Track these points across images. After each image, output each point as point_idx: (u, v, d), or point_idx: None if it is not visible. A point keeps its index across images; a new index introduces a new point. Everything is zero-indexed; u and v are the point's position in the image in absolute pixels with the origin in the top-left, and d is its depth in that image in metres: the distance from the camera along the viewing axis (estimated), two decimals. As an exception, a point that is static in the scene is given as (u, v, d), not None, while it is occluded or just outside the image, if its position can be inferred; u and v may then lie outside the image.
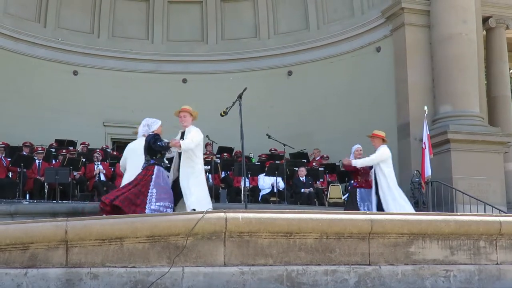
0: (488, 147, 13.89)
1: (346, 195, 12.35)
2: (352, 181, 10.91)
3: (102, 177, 13.23)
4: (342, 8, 17.22)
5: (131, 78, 17.79)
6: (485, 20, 16.53)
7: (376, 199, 9.86)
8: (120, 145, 16.19)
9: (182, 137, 8.64)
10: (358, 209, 9.88)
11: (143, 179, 8.65)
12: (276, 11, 18.23)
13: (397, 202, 9.60)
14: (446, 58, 14.30)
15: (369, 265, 6.16)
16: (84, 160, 13.32)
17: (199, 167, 8.62)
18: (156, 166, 8.70)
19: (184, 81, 18.10)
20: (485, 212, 11.91)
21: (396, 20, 15.36)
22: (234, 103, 8.91)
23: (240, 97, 8.87)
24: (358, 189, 10.28)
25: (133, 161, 9.61)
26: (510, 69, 18.76)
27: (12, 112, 15.94)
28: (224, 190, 13.45)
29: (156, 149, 8.67)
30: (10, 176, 12.79)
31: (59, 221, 5.87)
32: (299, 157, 15.20)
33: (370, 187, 10.06)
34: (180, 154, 8.66)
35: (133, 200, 8.45)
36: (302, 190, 13.39)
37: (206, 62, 18.22)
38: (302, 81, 17.50)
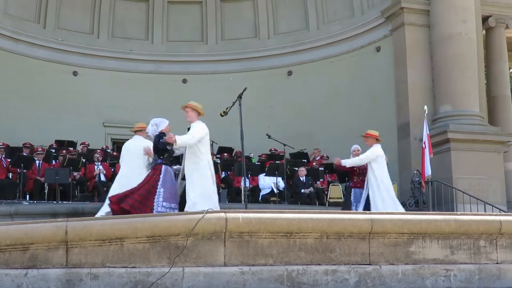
0: (488, 146, 13.89)
1: (347, 195, 12.37)
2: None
3: (102, 178, 13.23)
4: (342, 8, 17.22)
5: (131, 79, 17.80)
6: (485, 19, 16.51)
7: (366, 199, 9.87)
8: (120, 146, 16.12)
9: None
10: (350, 209, 9.92)
11: (151, 179, 8.73)
12: (276, 11, 18.23)
13: (386, 203, 9.56)
14: (446, 57, 14.30)
15: (369, 264, 6.16)
16: (84, 160, 13.32)
17: (204, 163, 8.52)
18: (163, 166, 8.75)
19: (184, 81, 18.10)
20: (485, 211, 11.92)
21: (396, 20, 15.35)
22: (234, 103, 8.91)
23: (240, 97, 8.87)
24: (353, 189, 10.32)
25: (126, 160, 9.72)
26: (510, 68, 18.75)
27: (12, 113, 15.95)
28: (224, 190, 13.45)
29: (159, 147, 8.71)
30: (10, 177, 12.80)
31: (59, 221, 5.88)
32: (299, 157, 15.20)
33: None
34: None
35: (142, 201, 8.55)
36: (302, 190, 13.39)
37: (206, 62, 18.22)
38: (302, 81, 17.51)
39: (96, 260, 5.66)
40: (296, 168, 13.82)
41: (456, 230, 6.48)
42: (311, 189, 13.46)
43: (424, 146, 12.70)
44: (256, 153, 15.55)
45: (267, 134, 15.21)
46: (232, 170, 13.74)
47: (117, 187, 9.47)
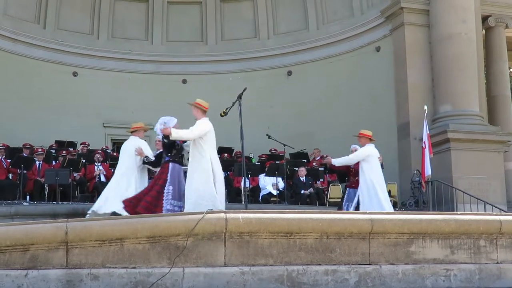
0: (488, 146, 13.90)
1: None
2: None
3: (103, 178, 13.21)
4: (342, 8, 17.23)
5: (131, 79, 17.80)
6: (485, 19, 16.51)
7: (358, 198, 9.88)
8: (120, 146, 16.15)
9: None
10: (341, 209, 9.95)
11: (160, 178, 8.81)
12: (275, 11, 18.23)
13: (372, 203, 9.55)
14: (446, 57, 14.30)
15: (369, 264, 6.15)
16: (84, 161, 13.32)
17: (206, 160, 8.44)
18: (170, 164, 8.83)
19: (184, 81, 18.10)
20: (485, 211, 11.92)
21: (396, 20, 15.36)
22: (234, 103, 8.90)
23: (240, 97, 8.86)
24: (348, 189, 10.34)
25: (120, 160, 9.85)
26: (509, 68, 18.75)
27: (12, 114, 15.95)
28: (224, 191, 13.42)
29: (166, 143, 8.78)
30: (10, 178, 12.79)
31: (59, 222, 5.87)
32: (299, 157, 15.19)
33: None
34: None
35: (153, 202, 8.66)
36: (302, 191, 13.39)
37: (206, 63, 18.22)
38: (302, 81, 17.51)
39: (96, 261, 5.66)
40: (296, 168, 13.81)
41: (456, 230, 6.48)
42: (311, 189, 13.45)
43: (424, 146, 12.71)
44: (256, 153, 15.55)
45: (267, 134, 15.20)
46: (232, 170, 13.72)
47: (112, 187, 9.72)
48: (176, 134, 8.40)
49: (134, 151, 9.64)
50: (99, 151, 13.83)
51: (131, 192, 9.36)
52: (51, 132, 15.92)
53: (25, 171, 12.43)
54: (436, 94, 14.51)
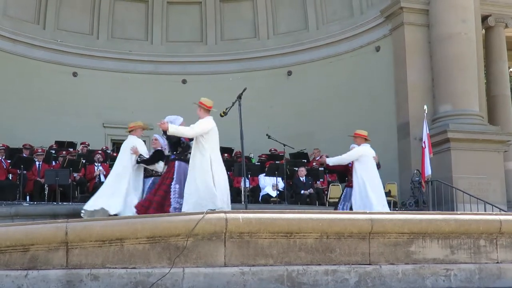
0: (488, 146, 13.90)
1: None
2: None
3: (103, 178, 13.20)
4: (341, 8, 17.23)
5: (131, 79, 17.80)
6: (484, 19, 16.51)
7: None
8: (120, 146, 16.16)
9: None
10: (337, 208, 9.98)
11: (167, 177, 8.86)
12: (275, 11, 18.24)
13: (364, 202, 9.56)
14: (446, 57, 14.30)
15: (369, 264, 6.15)
16: (84, 161, 13.32)
17: (206, 158, 8.38)
18: (176, 162, 8.87)
19: (184, 81, 18.10)
20: (485, 211, 11.92)
21: (395, 20, 15.36)
22: (233, 103, 8.89)
23: (239, 97, 8.85)
24: (346, 188, 10.36)
25: (119, 159, 9.99)
26: (509, 68, 18.75)
27: (11, 114, 15.96)
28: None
29: (172, 141, 8.81)
30: (10, 178, 12.79)
31: (59, 222, 5.88)
32: (299, 157, 15.19)
33: None
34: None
35: (161, 202, 8.74)
36: (302, 191, 13.38)
37: (206, 63, 18.22)
38: (302, 81, 17.51)
39: (96, 261, 5.66)
40: (296, 168, 13.81)
41: (456, 229, 6.48)
42: (311, 190, 13.45)
43: (424, 146, 12.71)
44: (256, 153, 15.55)
45: (267, 134, 15.20)
46: (232, 170, 13.71)
47: (106, 185, 9.88)
48: (174, 130, 8.36)
49: (129, 150, 9.72)
50: (100, 152, 13.83)
51: (124, 191, 9.49)
52: (51, 133, 15.92)
53: (25, 172, 12.43)
54: (436, 94, 14.51)
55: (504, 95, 16.99)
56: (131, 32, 18.29)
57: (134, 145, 9.70)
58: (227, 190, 8.55)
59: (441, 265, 6.36)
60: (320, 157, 15.32)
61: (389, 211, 9.64)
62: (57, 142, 15.30)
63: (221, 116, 8.85)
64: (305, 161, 15.01)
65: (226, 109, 8.91)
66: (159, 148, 9.79)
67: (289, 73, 17.86)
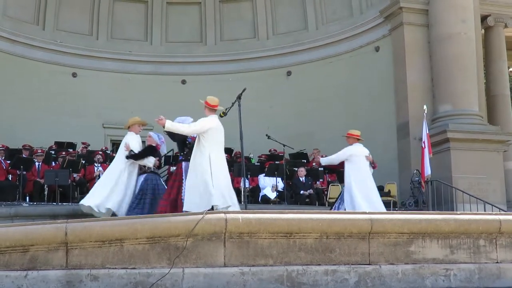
0: (488, 145, 13.91)
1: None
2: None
3: (102, 179, 13.22)
4: (341, 8, 17.24)
5: (130, 80, 17.80)
6: (484, 18, 16.53)
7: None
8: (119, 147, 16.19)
9: None
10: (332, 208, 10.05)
11: (175, 179, 8.97)
12: (274, 11, 18.24)
13: (353, 202, 9.57)
14: (445, 57, 14.31)
15: (369, 264, 6.15)
16: (84, 162, 13.32)
17: (205, 157, 8.36)
18: (183, 163, 8.91)
19: (183, 82, 18.10)
20: (485, 211, 11.93)
21: (395, 20, 15.36)
22: (233, 103, 8.90)
23: (239, 97, 8.86)
24: (343, 188, 10.38)
25: (116, 157, 10.13)
26: (509, 67, 18.76)
27: (11, 115, 15.96)
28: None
29: (176, 140, 8.85)
30: (10, 179, 12.78)
31: (59, 223, 5.87)
32: (299, 157, 15.18)
33: None
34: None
35: (173, 204, 8.84)
36: (302, 191, 13.38)
37: (205, 63, 18.22)
38: (301, 81, 17.51)
39: (96, 261, 5.66)
40: (296, 169, 13.81)
41: (456, 229, 6.48)
42: (311, 190, 13.45)
43: (423, 146, 12.71)
44: (255, 153, 15.54)
45: (266, 135, 15.20)
46: (231, 170, 13.70)
47: (101, 182, 10.04)
48: (171, 126, 8.34)
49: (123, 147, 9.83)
50: (100, 152, 13.83)
51: (118, 189, 9.56)
52: (51, 133, 15.92)
53: (24, 172, 12.43)
54: (435, 94, 14.51)
55: (503, 95, 17.00)
56: (130, 32, 18.29)
57: (126, 142, 9.71)
58: (228, 188, 8.52)
59: (440, 265, 6.36)
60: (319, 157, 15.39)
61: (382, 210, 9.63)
62: (56, 143, 15.29)
63: (221, 116, 8.86)
64: (305, 161, 15.01)
65: (226, 109, 8.92)
66: (151, 144, 9.84)
67: (289, 73, 17.86)
